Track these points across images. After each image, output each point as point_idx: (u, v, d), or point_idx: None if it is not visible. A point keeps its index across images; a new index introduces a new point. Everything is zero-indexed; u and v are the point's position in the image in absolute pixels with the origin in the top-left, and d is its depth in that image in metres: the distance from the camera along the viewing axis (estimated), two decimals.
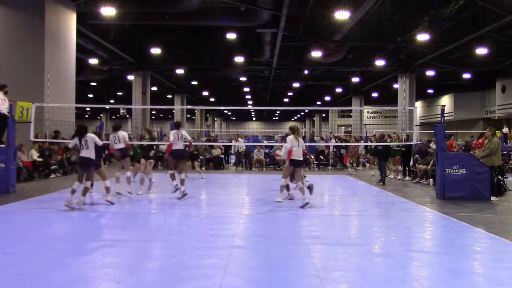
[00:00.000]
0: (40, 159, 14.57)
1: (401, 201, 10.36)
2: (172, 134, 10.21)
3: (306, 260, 5.26)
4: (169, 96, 41.25)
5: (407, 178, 15.25)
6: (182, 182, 10.06)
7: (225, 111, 61.14)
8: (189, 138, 10.56)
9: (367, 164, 20.41)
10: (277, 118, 69.95)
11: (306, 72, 29.91)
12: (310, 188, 9.30)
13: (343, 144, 20.83)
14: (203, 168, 18.37)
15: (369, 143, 18.37)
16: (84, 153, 8.54)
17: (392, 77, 30.07)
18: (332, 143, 20.90)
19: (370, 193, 12.32)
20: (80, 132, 8.74)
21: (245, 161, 20.19)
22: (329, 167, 20.49)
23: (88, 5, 17.33)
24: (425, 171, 14.11)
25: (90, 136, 8.70)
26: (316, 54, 22.38)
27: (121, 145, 10.36)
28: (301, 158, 9.29)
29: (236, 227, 7.23)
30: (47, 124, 13.61)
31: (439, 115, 11.54)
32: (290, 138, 9.28)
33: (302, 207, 8.82)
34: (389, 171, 16.29)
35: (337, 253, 5.65)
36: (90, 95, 41.12)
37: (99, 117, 53.26)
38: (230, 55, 24.39)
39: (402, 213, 8.81)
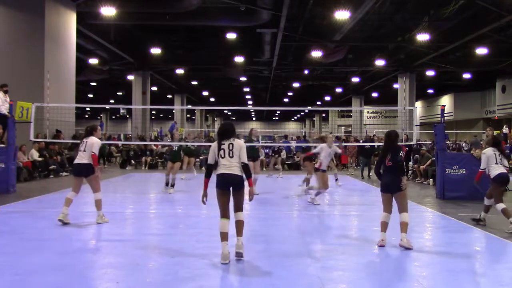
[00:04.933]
0: (40, 159, 14.58)
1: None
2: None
3: (306, 260, 5.26)
4: (169, 96, 41.24)
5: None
6: None
7: (225, 111, 61.12)
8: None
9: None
10: (277, 118, 69.91)
11: (306, 72, 29.90)
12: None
13: (343, 144, 20.83)
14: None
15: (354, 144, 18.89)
16: None
17: (392, 77, 30.07)
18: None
19: (370, 193, 12.31)
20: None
21: None
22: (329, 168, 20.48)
23: (88, 5, 17.33)
24: (425, 171, 14.16)
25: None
26: (316, 54, 22.38)
27: None
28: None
29: None
30: (47, 124, 13.61)
31: (439, 115, 11.55)
32: None
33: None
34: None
35: (337, 253, 5.65)
36: (90, 95, 41.09)
37: (99, 117, 53.22)
38: (230, 55, 24.38)
39: None
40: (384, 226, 5.98)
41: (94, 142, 7.14)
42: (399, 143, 6.60)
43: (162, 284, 4.41)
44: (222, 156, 5.19)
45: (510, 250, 5.95)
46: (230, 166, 5.17)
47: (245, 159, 5.23)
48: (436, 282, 4.64)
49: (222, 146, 5.21)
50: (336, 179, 13.42)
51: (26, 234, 6.47)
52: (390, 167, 6.02)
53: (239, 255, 5.12)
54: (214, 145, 5.31)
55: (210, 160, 5.31)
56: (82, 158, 7.11)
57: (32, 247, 5.70)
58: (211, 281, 4.45)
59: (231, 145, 5.21)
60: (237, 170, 5.19)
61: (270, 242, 6.12)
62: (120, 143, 23.97)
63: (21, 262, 5.02)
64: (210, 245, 5.90)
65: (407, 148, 14.49)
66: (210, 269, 4.83)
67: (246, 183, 5.28)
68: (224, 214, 5.20)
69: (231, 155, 5.18)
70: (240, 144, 5.28)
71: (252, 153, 11.31)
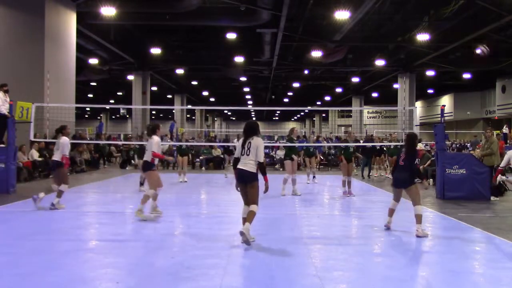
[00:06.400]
0: (40, 159, 14.57)
1: (400, 201, 10.34)
2: None
3: (306, 260, 5.26)
4: (169, 96, 41.25)
5: None
6: None
7: (225, 111, 61.15)
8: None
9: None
10: (277, 118, 69.95)
11: (306, 72, 29.93)
12: None
13: (340, 144, 20.83)
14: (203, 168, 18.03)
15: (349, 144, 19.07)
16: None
17: (392, 77, 30.09)
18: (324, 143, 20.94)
19: (370, 193, 12.32)
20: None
21: None
22: (329, 168, 20.53)
23: (88, 5, 17.34)
24: (424, 171, 14.17)
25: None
26: (316, 54, 22.40)
27: None
28: None
29: (236, 227, 7.21)
30: (47, 124, 13.60)
31: (439, 115, 11.55)
32: None
33: None
34: (379, 170, 16.76)
35: (337, 253, 5.65)
36: (90, 95, 41.13)
37: (99, 117, 53.26)
38: (230, 55, 24.40)
39: (402, 213, 8.79)
40: (391, 212, 6.81)
41: (153, 143, 7.75)
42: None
43: (162, 284, 4.41)
44: (243, 154, 5.89)
45: (510, 250, 5.94)
46: (245, 163, 5.84)
47: (260, 158, 5.82)
48: (436, 282, 4.63)
49: (245, 145, 5.89)
50: (314, 177, 14.63)
51: (26, 234, 6.47)
52: (402, 166, 6.64)
53: (245, 241, 5.63)
54: (240, 142, 6.02)
55: (236, 155, 6.05)
56: (145, 156, 7.91)
57: (32, 247, 5.70)
58: (211, 281, 4.45)
59: (249, 144, 5.86)
60: (250, 167, 5.81)
61: (269, 242, 6.12)
62: (120, 143, 23.97)
63: (21, 262, 5.02)
64: (210, 245, 5.90)
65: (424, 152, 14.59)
66: (210, 269, 4.83)
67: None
68: (245, 202, 5.94)
69: (248, 153, 5.84)
70: (256, 143, 5.85)
71: (291, 152, 11.49)
